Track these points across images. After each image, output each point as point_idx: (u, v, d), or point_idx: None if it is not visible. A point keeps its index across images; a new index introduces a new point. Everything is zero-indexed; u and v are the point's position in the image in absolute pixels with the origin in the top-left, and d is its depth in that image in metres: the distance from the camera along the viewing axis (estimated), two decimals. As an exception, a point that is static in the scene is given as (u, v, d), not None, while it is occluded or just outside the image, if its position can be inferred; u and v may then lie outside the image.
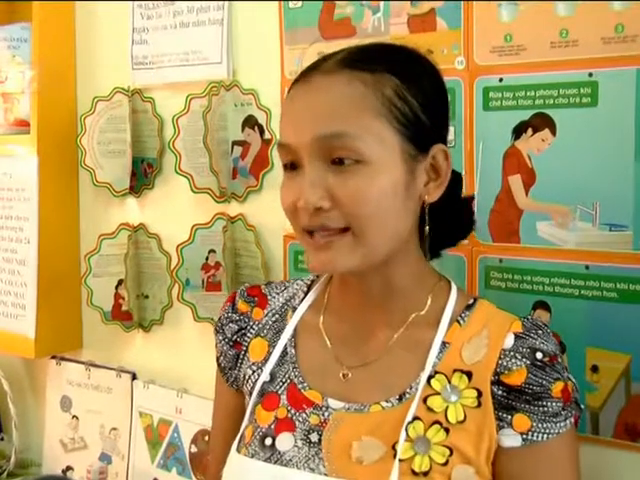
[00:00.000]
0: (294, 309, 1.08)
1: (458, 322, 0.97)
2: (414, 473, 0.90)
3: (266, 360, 1.06)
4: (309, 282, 1.12)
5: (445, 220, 1.01)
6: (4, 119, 1.74)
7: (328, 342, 1.03)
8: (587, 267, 1.13)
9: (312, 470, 0.93)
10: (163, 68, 1.59)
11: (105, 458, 1.73)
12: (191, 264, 1.53)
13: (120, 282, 1.65)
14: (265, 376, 1.04)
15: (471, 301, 1.00)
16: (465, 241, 1.15)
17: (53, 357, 1.81)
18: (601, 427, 1.13)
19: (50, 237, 1.70)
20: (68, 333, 1.77)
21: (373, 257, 0.93)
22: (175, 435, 1.61)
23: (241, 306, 1.12)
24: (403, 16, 1.27)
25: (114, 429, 1.72)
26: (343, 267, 0.93)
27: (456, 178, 1.01)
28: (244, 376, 1.08)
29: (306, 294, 1.09)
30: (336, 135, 0.89)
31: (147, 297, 1.66)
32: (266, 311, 1.10)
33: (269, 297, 1.11)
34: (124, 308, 1.65)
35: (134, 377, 1.69)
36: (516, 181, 1.17)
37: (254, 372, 1.06)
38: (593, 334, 1.12)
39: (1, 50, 1.71)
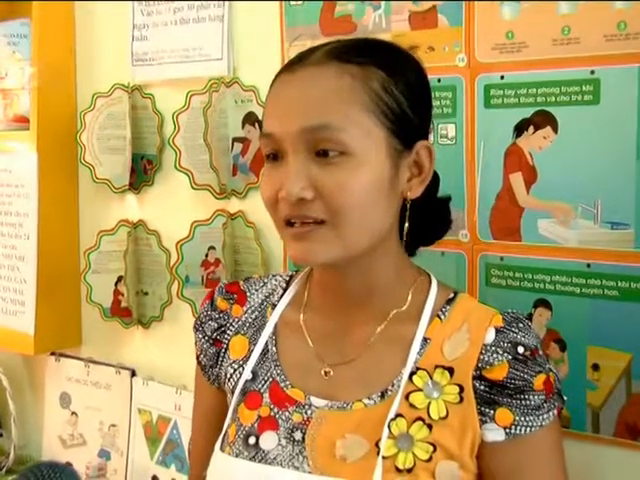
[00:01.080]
0: (273, 306, 1.07)
1: (439, 317, 0.97)
2: (398, 470, 0.90)
3: (247, 358, 1.05)
4: (288, 278, 1.11)
5: (422, 218, 1.00)
6: (4, 115, 1.74)
7: (309, 339, 1.02)
8: (588, 265, 1.13)
9: (296, 468, 0.93)
10: (163, 64, 1.58)
11: (104, 454, 1.73)
12: (191, 261, 1.53)
13: (119, 279, 1.64)
14: (247, 374, 1.03)
15: (451, 295, 1.00)
16: (466, 239, 1.14)
17: (52, 353, 1.80)
18: (602, 426, 1.13)
19: (49, 233, 1.70)
20: (67, 329, 1.77)
21: (352, 250, 0.92)
22: (174, 432, 1.60)
23: (220, 303, 1.11)
24: (404, 13, 1.26)
25: (113, 425, 1.71)
26: (323, 258, 0.92)
27: (434, 177, 1.00)
28: (225, 374, 1.07)
29: (285, 290, 1.08)
30: (323, 127, 0.89)
31: (146, 294, 1.65)
32: (245, 308, 1.09)
33: (248, 294, 1.10)
34: (123, 305, 1.65)
35: (133, 374, 1.69)
36: (517, 179, 1.17)
37: (235, 370, 1.05)
38: (594, 332, 1.12)
39: (1, 46, 1.71)
